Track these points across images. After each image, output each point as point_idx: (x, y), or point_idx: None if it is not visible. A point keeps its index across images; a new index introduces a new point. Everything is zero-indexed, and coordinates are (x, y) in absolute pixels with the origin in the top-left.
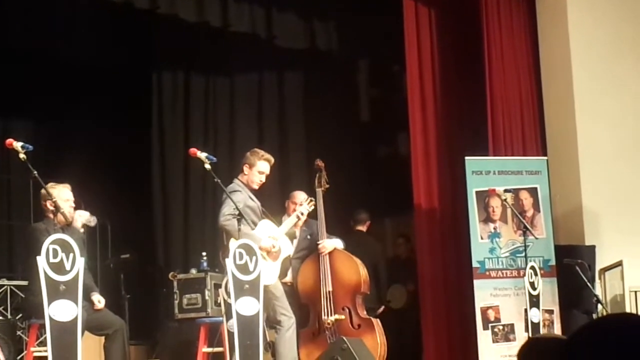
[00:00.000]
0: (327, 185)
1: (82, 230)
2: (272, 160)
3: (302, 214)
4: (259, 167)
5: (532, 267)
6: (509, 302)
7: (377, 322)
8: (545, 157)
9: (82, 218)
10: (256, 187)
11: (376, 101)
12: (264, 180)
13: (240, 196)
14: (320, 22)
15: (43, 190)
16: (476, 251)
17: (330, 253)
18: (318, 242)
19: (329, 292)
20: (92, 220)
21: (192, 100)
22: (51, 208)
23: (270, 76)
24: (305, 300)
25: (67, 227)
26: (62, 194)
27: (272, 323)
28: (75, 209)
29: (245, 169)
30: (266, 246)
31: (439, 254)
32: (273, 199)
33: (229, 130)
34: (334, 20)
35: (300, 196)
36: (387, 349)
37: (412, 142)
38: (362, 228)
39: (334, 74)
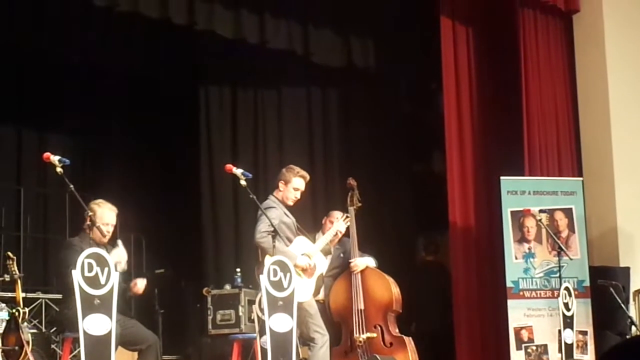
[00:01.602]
0: (360, 204)
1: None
2: (308, 177)
3: (340, 232)
4: (294, 184)
5: (567, 288)
6: (543, 322)
7: (409, 341)
8: (581, 178)
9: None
10: (291, 203)
11: (412, 118)
12: (298, 196)
13: (275, 212)
14: (357, 39)
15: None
16: (510, 271)
17: (362, 271)
18: (350, 260)
19: (361, 310)
20: (122, 261)
21: (238, 114)
22: (87, 223)
23: (310, 93)
24: (337, 318)
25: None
26: (104, 216)
27: (306, 340)
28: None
29: (281, 185)
30: (302, 264)
31: (474, 273)
32: (306, 216)
33: (277, 144)
34: (371, 37)
35: (338, 215)
36: None
37: (448, 161)
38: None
39: (370, 91)
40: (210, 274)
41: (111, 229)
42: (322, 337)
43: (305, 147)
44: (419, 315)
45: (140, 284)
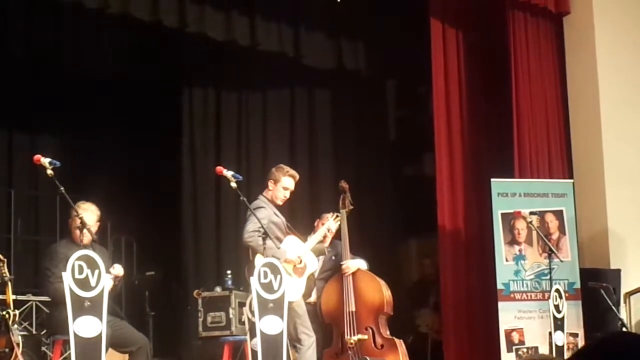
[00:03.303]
0: (352, 207)
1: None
2: (297, 176)
3: (329, 230)
4: (284, 183)
5: (557, 290)
6: (534, 324)
7: (400, 343)
8: (571, 180)
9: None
10: (280, 202)
11: (402, 121)
12: (288, 196)
13: (265, 212)
14: (347, 42)
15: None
16: (501, 273)
17: (353, 273)
18: (342, 263)
19: (352, 312)
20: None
21: (222, 117)
22: (77, 224)
23: (298, 95)
24: (328, 320)
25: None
26: (85, 217)
27: (293, 341)
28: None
29: (270, 184)
30: (291, 259)
31: (463, 275)
32: (300, 217)
33: (261, 147)
34: (361, 40)
35: (329, 216)
36: None
37: (438, 163)
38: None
39: (360, 94)
40: (200, 276)
41: (92, 230)
42: (309, 339)
43: (294, 149)
44: (408, 318)
45: (118, 269)
